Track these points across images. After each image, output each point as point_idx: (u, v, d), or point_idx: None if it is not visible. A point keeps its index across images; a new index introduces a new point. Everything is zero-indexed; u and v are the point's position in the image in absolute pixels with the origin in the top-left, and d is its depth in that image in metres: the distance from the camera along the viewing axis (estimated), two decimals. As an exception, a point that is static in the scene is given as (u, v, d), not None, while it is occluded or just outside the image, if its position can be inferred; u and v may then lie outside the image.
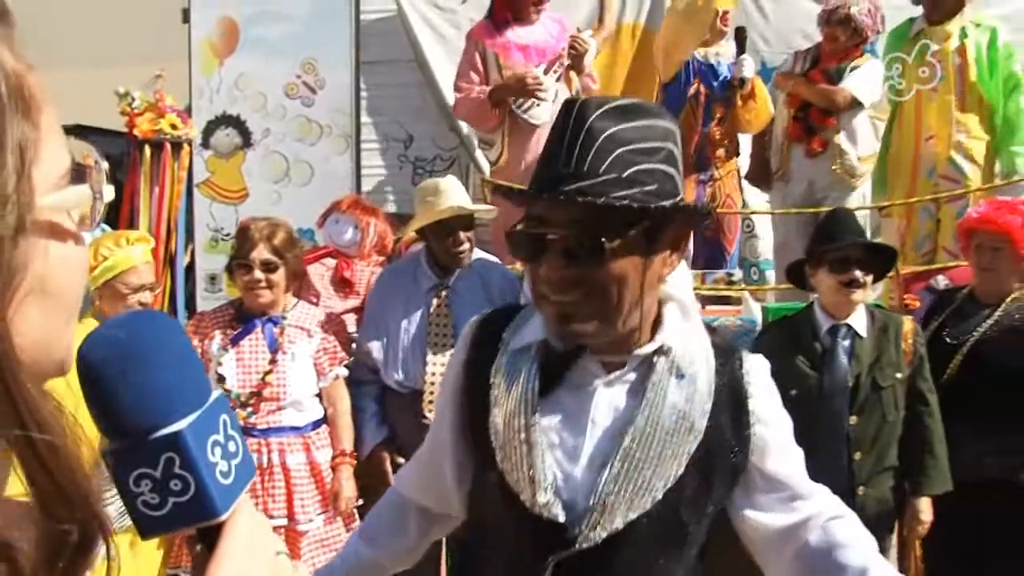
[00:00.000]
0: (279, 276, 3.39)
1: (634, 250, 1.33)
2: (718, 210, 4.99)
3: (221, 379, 3.32)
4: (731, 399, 1.47)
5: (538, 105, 4.87)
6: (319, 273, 4.44)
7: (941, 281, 4.54)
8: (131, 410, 0.72)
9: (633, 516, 1.39)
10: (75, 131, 10.09)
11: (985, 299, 3.41)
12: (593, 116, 1.32)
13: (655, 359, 1.43)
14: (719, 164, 5.02)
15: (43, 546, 0.60)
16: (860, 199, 5.24)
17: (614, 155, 1.30)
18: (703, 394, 1.43)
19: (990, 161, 5.13)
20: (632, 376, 1.43)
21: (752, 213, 5.35)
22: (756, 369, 1.52)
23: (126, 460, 0.73)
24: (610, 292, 1.33)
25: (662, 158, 1.35)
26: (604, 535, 1.38)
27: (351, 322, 4.23)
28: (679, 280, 3.49)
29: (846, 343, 3.17)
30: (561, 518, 1.39)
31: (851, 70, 5.05)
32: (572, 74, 5.03)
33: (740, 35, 4.89)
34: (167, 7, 6.40)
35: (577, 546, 1.38)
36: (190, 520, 0.75)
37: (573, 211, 1.30)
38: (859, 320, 3.20)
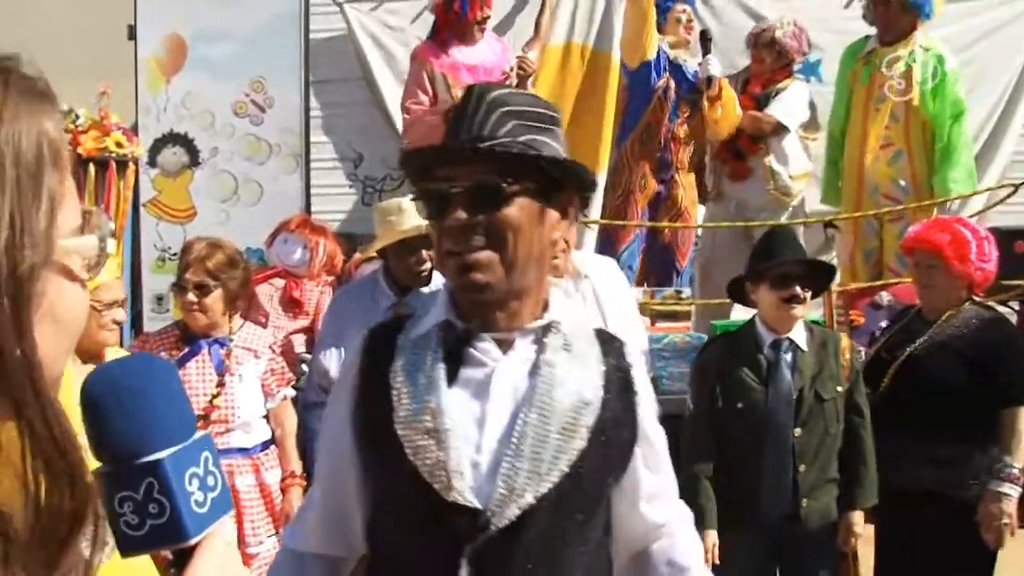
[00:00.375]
0: (213, 299, 3.32)
1: (530, 201, 1.45)
2: (671, 223, 5.06)
3: (168, 402, 3.27)
4: (618, 377, 1.55)
5: None
6: (268, 293, 4.45)
7: (885, 297, 4.65)
8: (122, 437, 0.84)
9: (543, 491, 1.43)
10: (17, 149, 9.93)
11: (928, 316, 3.47)
12: (492, 94, 1.46)
13: (545, 338, 1.51)
14: (680, 168, 5.08)
15: (38, 520, 0.67)
16: (790, 218, 5.42)
17: (511, 124, 1.44)
18: (594, 369, 1.52)
19: (928, 183, 5.25)
20: (526, 355, 1.50)
21: (700, 227, 5.41)
22: (636, 354, 1.63)
23: (113, 481, 0.84)
24: (507, 239, 1.43)
25: (553, 136, 1.49)
26: (517, 512, 1.41)
27: (300, 342, 4.21)
28: (626, 295, 3.53)
29: (788, 357, 3.21)
30: (475, 503, 1.42)
31: (776, 94, 5.27)
32: None
33: (704, 36, 5.02)
34: (112, 23, 6.31)
35: (492, 528, 1.41)
36: (164, 541, 0.86)
37: (475, 167, 1.42)
38: (799, 335, 3.25)
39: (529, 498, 1.42)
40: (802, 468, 3.14)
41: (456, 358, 1.49)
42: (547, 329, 1.51)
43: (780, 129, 5.26)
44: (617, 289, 3.47)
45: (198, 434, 0.88)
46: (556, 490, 1.44)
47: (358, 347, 1.60)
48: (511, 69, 4.98)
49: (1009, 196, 5.29)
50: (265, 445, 3.45)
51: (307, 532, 1.65)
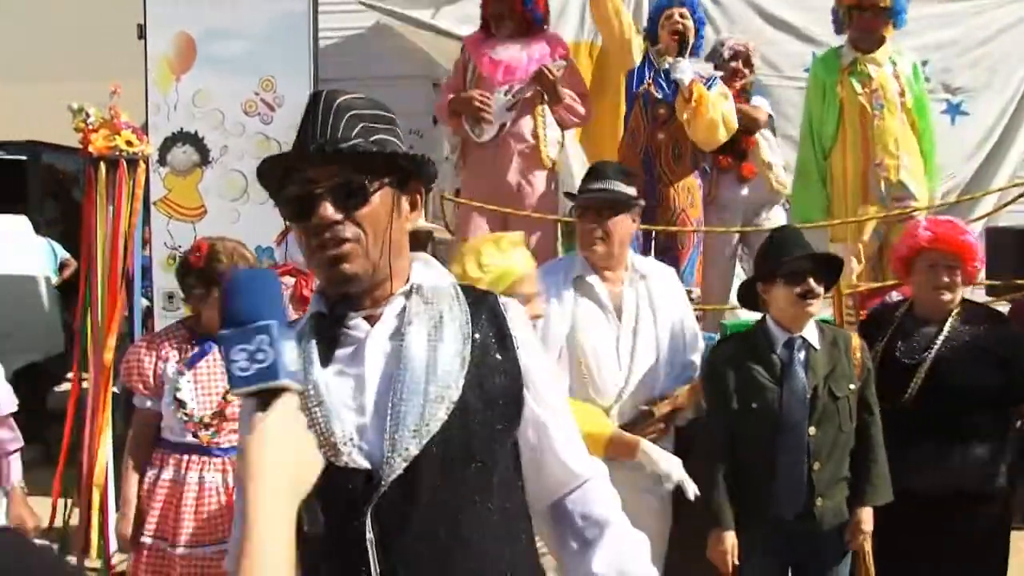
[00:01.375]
0: None
1: (387, 196, 1.58)
2: (670, 227, 5.03)
3: (181, 404, 3.29)
4: (492, 325, 1.64)
5: (489, 123, 4.94)
6: (278, 291, 4.44)
7: (895, 297, 4.61)
8: (249, 309, 1.24)
9: (425, 441, 1.51)
10: (28, 148, 9.92)
11: (927, 316, 3.47)
12: (338, 99, 1.57)
13: (408, 302, 1.62)
14: (667, 171, 5.05)
15: None
16: (783, 211, 5.52)
17: (360, 126, 1.56)
18: (460, 321, 1.61)
19: (929, 182, 5.30)
20: (392, 321, 1.60)
21: (703, 231, 5.39)
22: (513, 305, 1.71)
23: (235, 339, 1.23)
24: (370, 232, 1.56)
25: (395, 135, 1.62)
26: (404, 464, 1.50)
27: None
28: (683, 306, 3.54)
29: (802, 355, 3.20)
30: (365, 465, 1.51)
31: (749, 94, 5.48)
32: (543, 106, 5.02)
33: (681, 40, 4.95)
34: (122, 22, 6.33)
35: (383, 484, 1.49)
36: (262, 380, 1.21)
37: (335, 168, 1.53)
38: (811, 333, 3.25)
39: (413, 450, 1.50)
40: (816, 466, 3.13)
41: (332, 340, 1.60)
42: (409, 295, 1.62)
43: (770, 123, 5.50)
44: (673, 297, 3.53)
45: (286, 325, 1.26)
46: (439, 439, 1.52)
47: None
48: (525, 81, 4.95)
49: (1022, 195, 5.27)
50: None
51: (233, 548, 1.66)
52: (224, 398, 3.32)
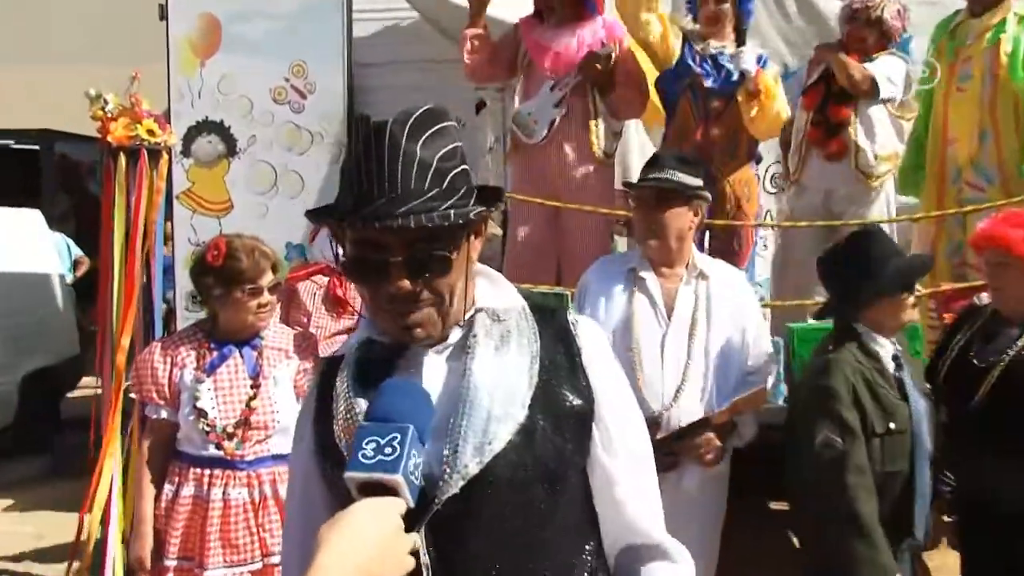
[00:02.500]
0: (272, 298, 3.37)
1: (463, 251, 1.51)
2: (728, 221, 4.69)
3: (202, 413, 3.17)
4: (561, 344, 1.59)
5: (535, 123, 4.75)
6: (311, 291, 4.43)
7: (984, 298, 4.33)
8: (390, 410, 1.34)
9: (487, 460, 1.45)
10: (41, 137, 9.82)
11: (1011, 318, 3.27)
12: (404, 138, 1.43)
13: (473, 322, 1.56)
14: (721, 167, 4.64)
15: None
16: (883, 211, 4.96)
17: (432, 170, 1.44)
18: (527, 339, 1.56)
19: (1018, 168, 4.91)
20: (456, 342, 1.56)
21: (761, 225, 5.08)
22: (585, 322, 1.65)
23: (372, 430, 1.32)
24: (446, 295, 1.50)
25: (460, 158, 1.50)
26: (461, 483, 1.44)
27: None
28: (749, 312, 3.49)
29: (904, 365, 3.11)
30: (420, 483, 1.43)
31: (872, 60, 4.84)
32: (594, 94, 4.76)
33: (738, 27, 4.62)
34: (142, 2, 6.26)
35: (438, 500, 1.44)
36: (381, 470, 1.27)
37: (411, 235, 1.43)
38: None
39: (473, 468, 1.45)
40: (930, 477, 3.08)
41: (387, 362, 1.56)
42: (473, 316, 1.57)
43: (873, 91, 4.77)
44: (735, 302, 3.44)
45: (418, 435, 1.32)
46: (503, 459, 1.47)
47: (316, 372, 1.74)
48: (571, 70, 4.70)
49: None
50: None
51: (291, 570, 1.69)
52: (247, 405, 3.21)
